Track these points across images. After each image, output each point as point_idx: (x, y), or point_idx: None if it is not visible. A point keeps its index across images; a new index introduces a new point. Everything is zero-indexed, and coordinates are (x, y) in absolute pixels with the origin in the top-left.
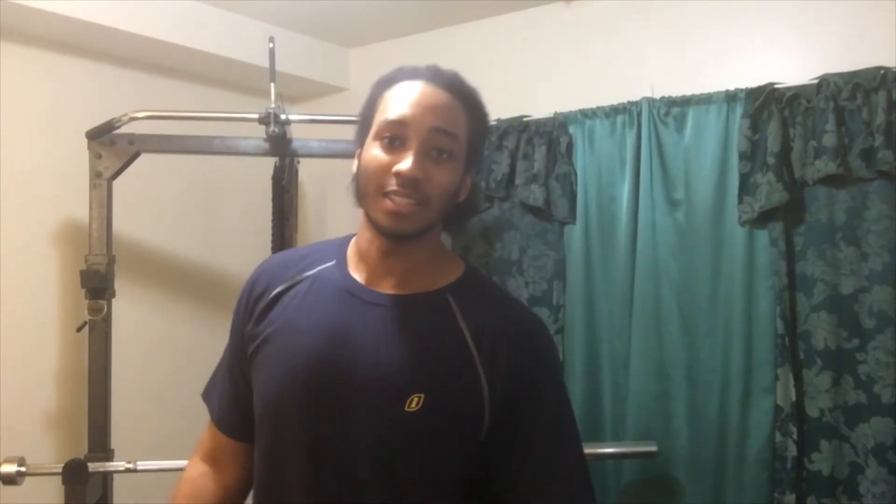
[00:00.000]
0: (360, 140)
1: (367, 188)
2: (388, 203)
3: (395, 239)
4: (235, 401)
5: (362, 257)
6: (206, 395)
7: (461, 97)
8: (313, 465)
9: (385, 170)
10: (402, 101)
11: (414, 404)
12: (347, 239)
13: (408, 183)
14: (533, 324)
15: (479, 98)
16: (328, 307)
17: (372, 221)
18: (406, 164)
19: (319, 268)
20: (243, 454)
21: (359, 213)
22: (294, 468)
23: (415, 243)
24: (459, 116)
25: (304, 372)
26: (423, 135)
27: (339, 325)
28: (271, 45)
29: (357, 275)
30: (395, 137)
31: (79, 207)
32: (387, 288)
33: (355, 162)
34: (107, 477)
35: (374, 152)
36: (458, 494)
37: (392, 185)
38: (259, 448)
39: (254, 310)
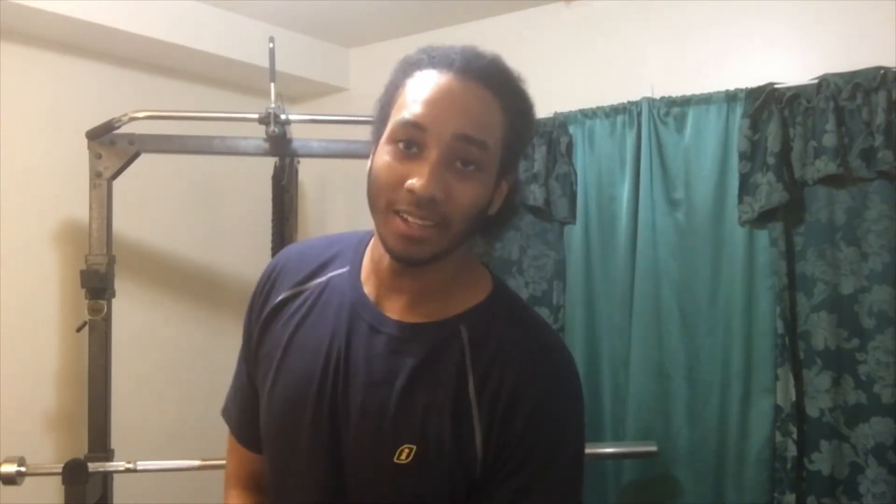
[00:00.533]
0: (376, 136)
1: (377, 202)
2: (399, 224)
3: (405, 264)
4: (256, 412)
5: (375, 269)
6: (227, 414)
7: (499, 91)
8: (313, 495)
9: (397, 183)
10: (421, 97)
11: (404, 456)
12: (364, 238)
13: (423, 203)
14: (550, 376)
15: (522, 89)
16: (333, 325)
17: (381, 240)
18: (420, 180)
19: (331, 274)
20: None
21: (359, 212)
22: (298, 498)
23: (432, 264)
24: (494, 118)
25: (299, 394)
26: (445, 143)
27: (341, 350)
28: (271, 45)
29: (368, 288)
30: (411, 142)
31: (79, 207)
32: (396, 309)
33: (368, 163)
34: (107, 477)
35: (386, 159)
36: None
37: (404, 202)
38: (266, 464)
39: (261, 312)
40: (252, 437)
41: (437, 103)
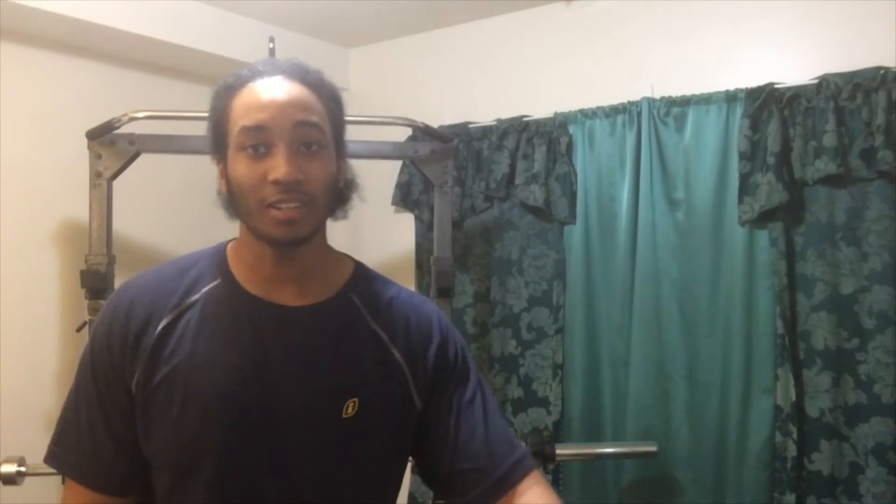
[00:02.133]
0: (219, 155)
1: (247, 205)
2: (274, 213)
3: (289, 246)
4: (122, 454)
5: (253, 270)
6: (62, 461)
7: (314, 85)
8: (248, 492)
9: (260, 182)
10: (256, 103)
11: (350, 409)
12: (218, 252)
13: (289, 188)
14: (429, 306)
15: (325, 77)
16: (234, 333)
17: (260, 236)
18: (281, 169)
19: (205, 290)
20: None
21: (359, 213)
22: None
23: (307, 245)
24: (316, 103)
25: (225, 409)
26: (288, 133)
27: (254, 350)
28: (271, 45)
29: (253, 290)
30: (258, 145)
31: (79, 207)
32: (289, 298)
33: (220, 180)
34: None
35: (242, 166)
36: (397, 483)
37: (273, 194)
38: (164, 490)
39: (136, 351)
40: (113, 479)
41: (272, 103)
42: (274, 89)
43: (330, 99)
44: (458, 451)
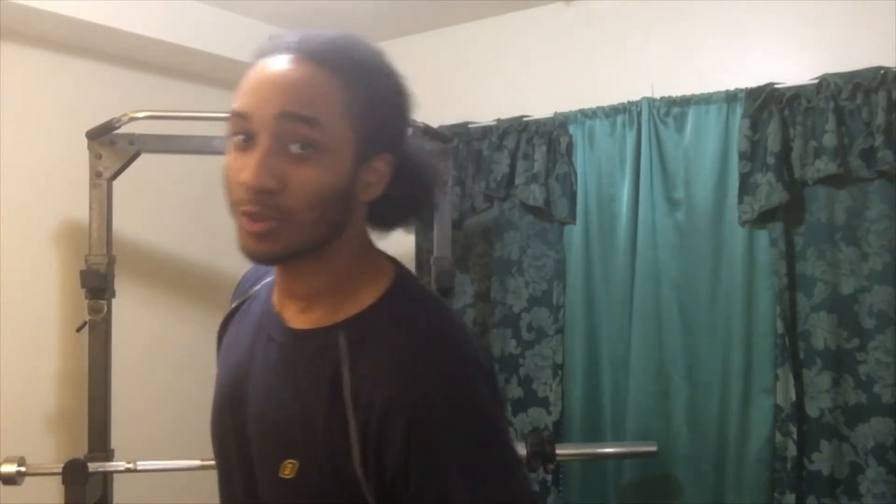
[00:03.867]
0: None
1: (228, 205)
2: (243, 222)
3: (261, 263)
4: None
5: (276, 277)
6: None
7: (336, 66)
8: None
9: (234, 180)
10: (246, 84)
11: (287, 471)
12: None
13: (258, 197)
14: (427, 389)
15: (368, 60)
16: (250, 335)
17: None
18: (249, 170)
19: (263, 282)
20: None
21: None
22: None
23: (310, 263)
24: (327, 94)
25: (223, 412)
26: (270, 126)
27: (245, 361)
28: None
29: (275, 296)
30: (243, 134)
31: (79, 207)
32: (292, 316)
33: None
34: (107, 477)
35: (229, 157)
36: None
37: (243, 200)
38: None
39: (223, 324)
40: None
41: (260, 87)
42: (273, 69)
43: (364, 87)
44: None
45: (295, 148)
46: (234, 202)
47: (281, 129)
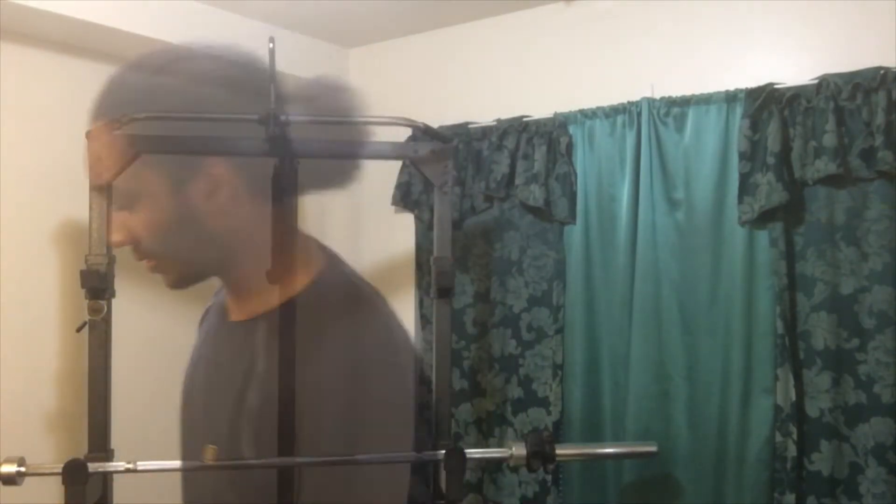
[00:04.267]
0: None
1: None
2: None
3: (176, 286)
4: None
5: None
6: None
7: (108, 114)
8: None
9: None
10: None
11: (209, 455)
12: None
13: (127, 250)
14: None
15: (132, 83)
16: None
17: None
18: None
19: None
20: None
21: (359, 213)
22: None
23: (197, 282)
24: (113, 146)
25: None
26: (99, 194)
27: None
28: (271, 45)
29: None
30: None
31: (79, 207)
32: (233, 310)
33: None
34: (107, 477)
35: None
36: None
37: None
38: None
39: None
40: None
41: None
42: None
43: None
44: None
45: (123, 202)
46: None
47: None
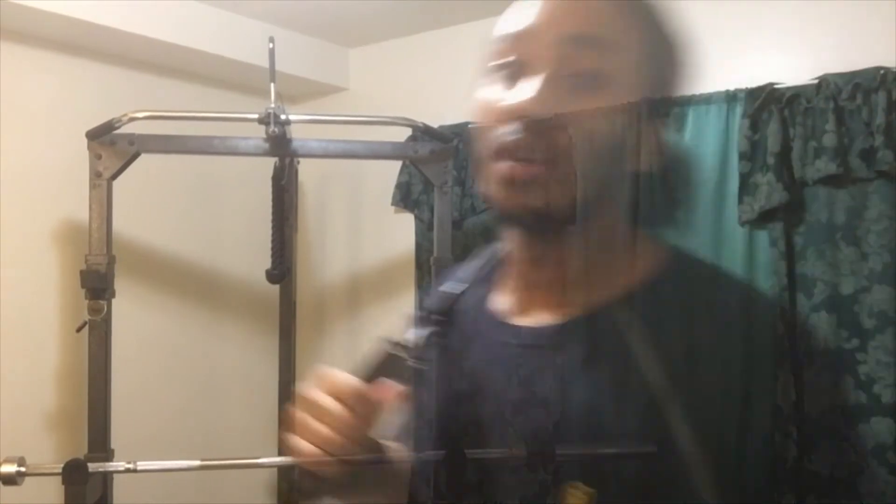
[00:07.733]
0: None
1: (480, 154)
2: (500, 167)
3: (517, 222)
4: None
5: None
6: None
7: (634, 9)
8: None
9: (493, 113)
10: (515, 12)
11: None
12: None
13: (525, 130)
14: None
15: (655, 4)
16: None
17: (490, 202)
18: (518, 96)
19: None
20: None
21: (359, 213)
22: None
23: (550, 220)
24: (616, 19)
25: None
26: (551, 51)
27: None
28: (271, 45)
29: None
30: (506, 64)
31: (79, 207)
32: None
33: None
34: (107, 477)
35: (483, 96)
36: None
37: (503, 135)
38: None
39: None
40: None
41: (537, 10)
42: None
43: (652, 25)
44: None
45: (576, 79)
46: (490, 143)
47: (564, 56)
